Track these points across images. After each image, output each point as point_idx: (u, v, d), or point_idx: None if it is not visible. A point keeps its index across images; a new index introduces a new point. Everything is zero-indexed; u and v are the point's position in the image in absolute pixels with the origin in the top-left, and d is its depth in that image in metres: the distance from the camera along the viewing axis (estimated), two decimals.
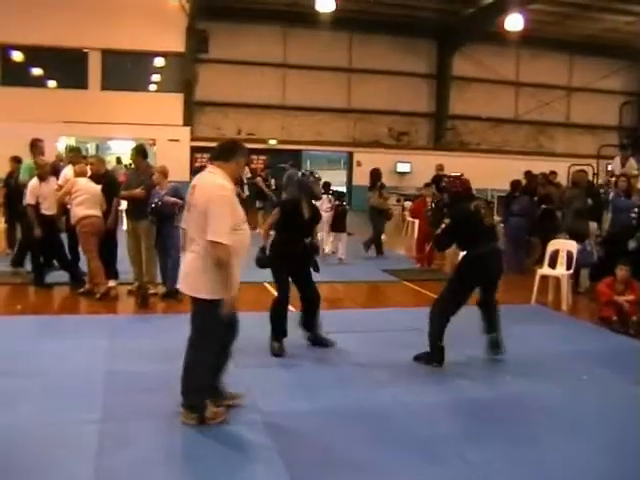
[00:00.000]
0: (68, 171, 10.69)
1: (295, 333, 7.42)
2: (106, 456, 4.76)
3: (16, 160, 13.15)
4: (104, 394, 5.87)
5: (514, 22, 21.50)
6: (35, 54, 24.84)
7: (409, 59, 28.10)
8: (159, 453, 4.89)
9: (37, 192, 10.34)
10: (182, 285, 5.16)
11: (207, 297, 4.98)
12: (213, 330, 5.12)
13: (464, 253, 7.32)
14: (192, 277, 5.04)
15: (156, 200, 9.43)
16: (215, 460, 4.75)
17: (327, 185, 17.03)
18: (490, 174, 22.61)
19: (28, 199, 10.31)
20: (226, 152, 5.19)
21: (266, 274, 7.43)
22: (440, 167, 17.72)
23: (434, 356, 6.91)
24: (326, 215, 13.07)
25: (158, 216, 9.55)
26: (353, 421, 5.46)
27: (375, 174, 15.64)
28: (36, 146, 11.61)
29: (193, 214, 5.03)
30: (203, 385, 5.24)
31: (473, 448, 5.03)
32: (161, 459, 4.80)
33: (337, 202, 14.21)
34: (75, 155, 11.08)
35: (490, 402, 6.01)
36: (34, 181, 10.43)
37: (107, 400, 5.75)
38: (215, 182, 5.00)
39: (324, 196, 16.95)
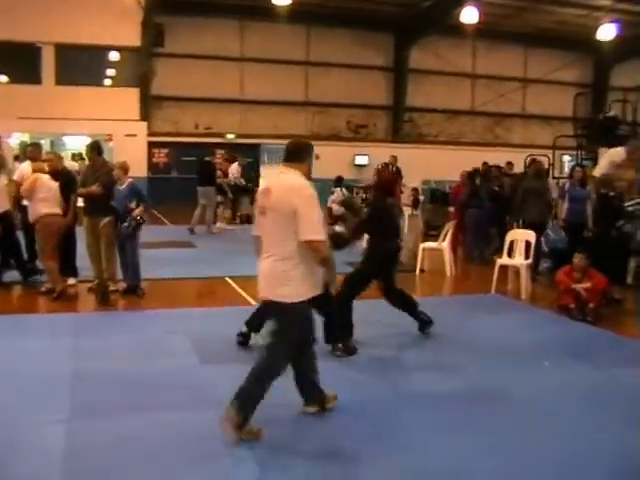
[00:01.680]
0: (26, 167, 10.53)
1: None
2: (73, 457, 4.71)
3: None
4: (70, 394, 5.81)
5: (470, 15, 21.73)
6: None
7: (367, 52, 28.15)
8: (128, 453, 4.83)
9: None
10: (266, 291, 4.97)
11: (293, 300, 4.86)
12: (293, 334, 5.04)
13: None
14: (277, 282, 4.88)
15: (126, 225, 9.44)
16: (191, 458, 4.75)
17: (340, 179, 17.17)
18: (448, 165, 22.77)
19: None
20: (300, 152, 5.08)
21: None
22: (394, 159, 17.87)
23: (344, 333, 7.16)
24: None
25: (119, 214, 9.55)
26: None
27: None
28: None
29: (271, 218, 4.86)
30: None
31: (440, 439, 5.10)
32: (130, 459, 4.75)
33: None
34: (34, 150, 10.91)
35: (453, 393, 6.08)
36: None
37: (73, 399, 5.69)
38: (297, 182, 4.89)
39: (337, 189, 17.10)
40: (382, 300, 7.90)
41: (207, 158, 18.60)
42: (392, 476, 4.55)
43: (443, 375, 6.57)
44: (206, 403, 5.63)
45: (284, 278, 4.84)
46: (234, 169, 19.44)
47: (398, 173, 17.48)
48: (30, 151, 11.05)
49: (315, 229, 4.77)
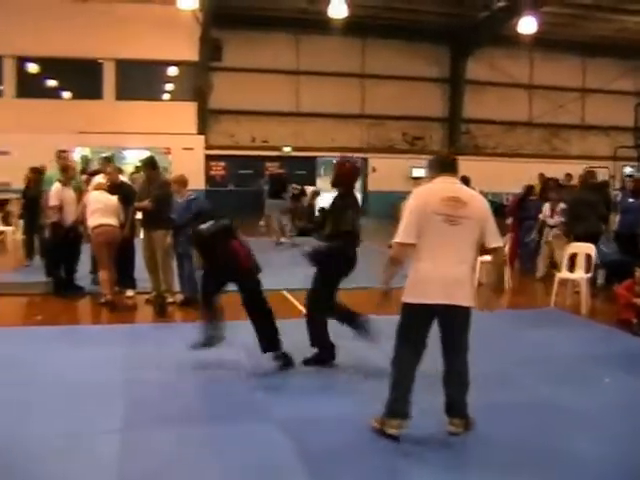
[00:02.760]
0: (98, 179, 10.83)
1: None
2: (127, 466, 4.77)
3: (35, 171, 13.29)
4: (124, 403, 5.89)
5: (527, 25, 21.47)
6: (50, 65, 25.01)
7: (422, 64, 28.06)
8: (180, 462, 4.86)
9: (60, 195, 10.47)
10: (458, 296, 5.06)
11: (473, 305, 5.17)
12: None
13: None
14: (468, 287, 5.10)
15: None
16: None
17: None
18: (505, 178, 22.58)
19: (52, 201, 10.42)
20: (456, 164, 5.38)
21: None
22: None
23: (326, 354, 7.03)
24: None
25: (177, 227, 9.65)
26: None
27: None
28: (60, 157, 11.83)
29: (467, 227, 5.05)
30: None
31: (492, 452, 5.02)
32: (182, 468, 4.79)
33: None
34: (103, 164, 11.18)
35: (511, 404, 5.98)
36: (57, 185, 10.58)
37: (127, 409, 5.77)
38: (475, 192, 5.35)
39: None
40: None
41: (279, 171, 18.83)
42: None
43: (501, 388, 6.47)
44: (259, 415, 5.66)
45: (470, 284, 5.16)
46: None
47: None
48: (102, 164, 11.32)
49: (499, 236, 5.34)
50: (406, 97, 27.74)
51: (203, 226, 6.99)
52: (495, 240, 5.25)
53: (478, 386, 5.56)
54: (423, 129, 29.29)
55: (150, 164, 10.17)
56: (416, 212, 5.05)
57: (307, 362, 7.01)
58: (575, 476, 4.73)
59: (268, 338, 6.84)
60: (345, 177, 7.11)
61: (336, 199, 7.08)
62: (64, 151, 11.86)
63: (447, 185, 5.19)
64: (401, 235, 5.06)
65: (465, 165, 20.47)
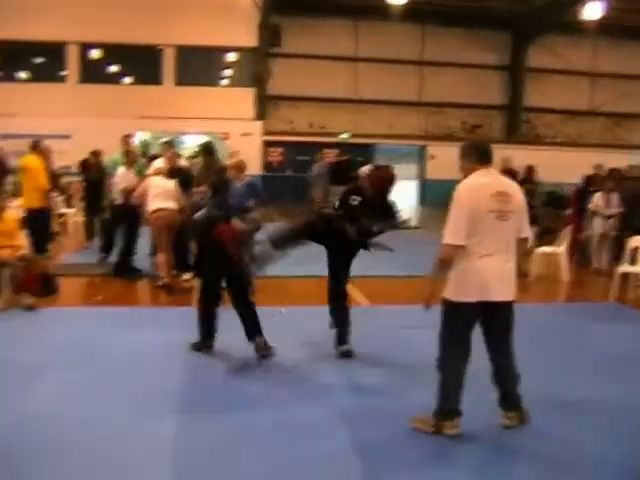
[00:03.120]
0: (158, 163, 11.00)
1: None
2: (183, 452, 4.82)
3: (96, 155, 13.53)
4: (181, 386, 5.96)
5: (592, 11, 21.00)
6: (112, 51, 25.40)
7: (482, 51, 27.66)
8: (237, 446, 4.91)
9: (127, 178, 10.71)
10: (511, 291, 5.05)
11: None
12: None
13: None
14: (513, 282, 5.06)
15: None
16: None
17: None
18: (566, 168, 22.12)
19: (121, 186, 10.65)
20: (492, 153, 5.17)
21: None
22: (504, 161, 17.41)
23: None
24: None
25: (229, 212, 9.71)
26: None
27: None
28: (125, 141, 12.07)
29: (513, 221, 4.97)
30: None
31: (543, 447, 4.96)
32: (240, 452, 4.83)
33: None
34: (165, 148, 11.31)
35: (570, 403, 5.88)
36: (122, 169, 10.83)
37: (184, 392, 5.84)
38: (513, 183, 5.23)
39: None
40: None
41: (343, 158, 18.82)
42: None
43: (558, 383, 6.36)
44: (315, 399, 5.68)
45: (514, 278, 5.08)
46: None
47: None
48: (161, 149, 11.47)
49: (529, 226, 5.22)
50: (465, 85, 27.41)
51: (197, 214, 7.09)
52: (527, 230, 5.17)
53: (535, 380, 5.50)
54: (482, 117, 28.91)
55: (207, 150, 10.24)
56: (468, 210, 4.85)
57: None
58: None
59: (252, 325, 6.90)
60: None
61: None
62: (128, 136, 12.07)
63: (493, 178, 5.05)
64: (452, 236, 4.87)
65: (525, 154, 20.27)
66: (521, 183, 15.07)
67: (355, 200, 6.82)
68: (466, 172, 5.11)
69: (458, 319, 5.05)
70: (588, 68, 28.76)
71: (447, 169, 26.94)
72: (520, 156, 18.51)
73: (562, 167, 22.53)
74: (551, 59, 27.66)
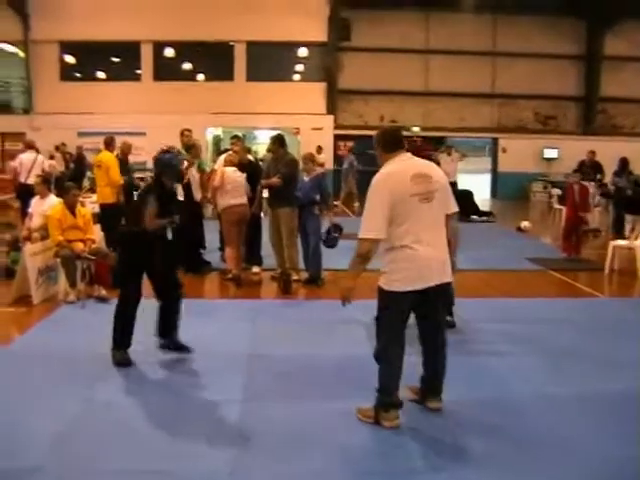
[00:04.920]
0: (223, 158, 11.10)
1: None
2: (246, 436, 4.93)
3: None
4: (247, 375, 6.03)
5: None
6: (185, 49, 25.79)
7: (556, 40, 26.96)
8: (298, 435, 4.97)
9: (189, 174, 10.80)
10: (448, 273, 5.04)
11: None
12: None
13: None
14: (448, 263, 5.02)
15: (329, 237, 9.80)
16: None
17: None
18: None
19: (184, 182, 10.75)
20: (403, 139, 5.14)
21: None
22: (592, 154, 17.04)
23: None
24: None
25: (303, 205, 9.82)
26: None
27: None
28: (184, 135, 12.11)
29: (437, 202, 4.92)
30: None
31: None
32: (300, 441, 4.88)
33: None
34: (235, 142, 11.37)
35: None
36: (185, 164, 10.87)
37: (249, 381, 5.92)
38: (428, 162, 5.20)
39: None
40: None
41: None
42: None
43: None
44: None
45: (447, 258, 5.03)
46: None
47: (598, 169, 16.68)
48: (232, 143, 11.52)
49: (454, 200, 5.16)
50: (539, 75, 26.79)
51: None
52: (454, 205, 5.12)
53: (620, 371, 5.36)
54: (556, 108, 28.22)
55: (279, 141, 10.28)
56: (388, 200, 4.73)
57: None
58: None
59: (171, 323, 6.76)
60: None
61: None
62: (188, 130, 12.14)
63: (408, 163, 4.95)
64: (372, 230, 4.76)
65: (601, 145, 19.65)
66: (615, 175, 14.85)
67: None
68: (381, 162, 5.03)
69: (394, 309, 4.95)
70: None
71: (519, 161, 26.56)
72: (597, 147, 18.09)
73: None
74: (629, 46, 26.79)
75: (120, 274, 6.84)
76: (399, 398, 5.07)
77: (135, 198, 7.16)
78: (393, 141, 5.03)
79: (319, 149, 21.58)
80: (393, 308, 4.95)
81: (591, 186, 16.08)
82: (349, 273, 5.00)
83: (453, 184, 18.02)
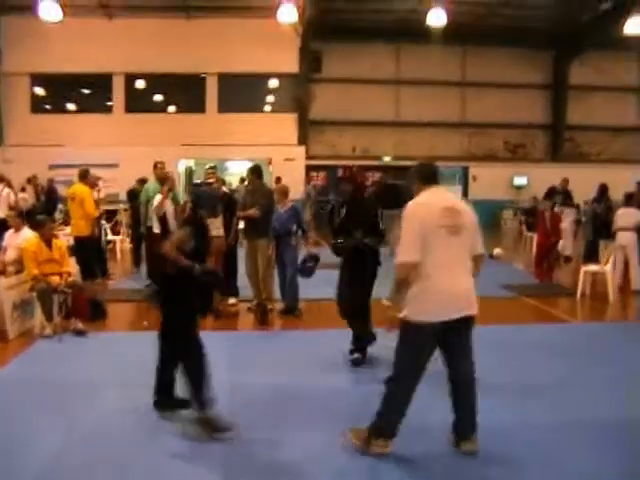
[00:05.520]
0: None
1: None
2: (230, 466, 4.97)
3: (142, 182, 13.75)
4: (229, 405, 6.02)
5: (636, 26, 20.72)
6: (156, 81, 25.87)
7: (525, 70, 27.50)
8: (288, 463, 5.03)
9: (164, 207, 10.74)
10: (469, 307, 5.02)
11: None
12: None
13: None
14: (473, 296, 5.06)
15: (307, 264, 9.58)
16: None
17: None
18: (612, 185, 21.84)
19: (157, 213, 10.65)
20: (438, 174, 5.25)
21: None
22: (566, 182, 17.26)
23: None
24: None
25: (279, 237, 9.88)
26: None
27: None
28: (157, 167, 12.12)
29: (465, 236, 5.00)
30: None
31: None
32: (289, 469, 4.93)
33: None
34: (210, 174, 11.37)
35: (610, 422, 5.82)
36: (159, 197, 10.79)
37: (234, 410, 5.92)
38: (461, 200, 5.33)
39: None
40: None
41: (390, 181, 18.86)
42: None
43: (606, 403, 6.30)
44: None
45: (473, 292, 5.07)
46: None
47: (568, 197, 16.89)
48: (208, 173, 11.50)
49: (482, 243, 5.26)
50: (508, 104, 27.25)
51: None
52: (481, 247, 5.22)
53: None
54: (525, 137, 28.69)
55: (256, 172, 10.32)
56: (418, 227, 4.87)
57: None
58: None
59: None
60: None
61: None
62: (161, 162, 12.15)
63: (441, 196, 5.10)
64: (406, 254, 4.88)
65: (570, 172, 19.89)
66: (594, 202, 15.03)
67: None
68: (415, 193, 5.17)
69: (416, 339, 4.99)
70: (634, 83, 28.35)
71: (489, 189, 26.83)
72: (565, 175, 18.34)
73: (610, 185, 22.24)
74: (595, 76, 27.36)
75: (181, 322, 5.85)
76: (395, 430, 5.09)
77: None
78: (430, 174, 5.20)
79: (277, 180, 21.54)
80: (414, 339, 4.99)
81: (572, 212, 16.32)
82: (391, 300, 5.05)
83: None
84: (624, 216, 12.54)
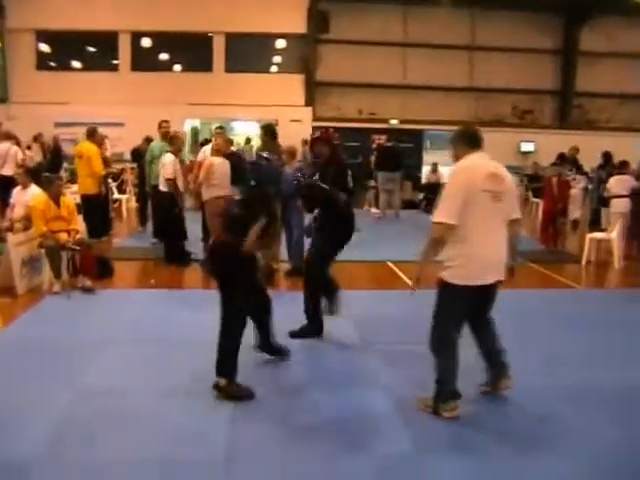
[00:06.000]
0: (208, 148, 11.17)
1: None
2: (237, 421, 5.07)
3: (148, 141, 13.74)
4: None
5: None
6: (163, 40, 25.65)
7: (533, 35, 27.17)
8: (287, 416, 5.18)
9: (176, 166, 10.81)
10: (502, 271, 5.17)
11: None
12: None
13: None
14: (504, 262, 5.17)
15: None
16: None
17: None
18: (619, 152, 21.75)
19: (169, 173, 10.73)
20: (482, 139, 5.33)
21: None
22: (575, 150, 17.21)
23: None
24: None
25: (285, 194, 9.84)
26: None
27: None
28: (161, 126, 12.14)
29: (506, 203, 5.09)
30: None
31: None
32: (288, 421, 5.04)
33: None
34: (218, 133, 11.37)
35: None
36: (171, 156, 10.84)
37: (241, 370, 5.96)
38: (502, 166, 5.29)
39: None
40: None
41: (389, 144, 18.82)
42: None
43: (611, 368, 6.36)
44: (369, 383, 5.79)
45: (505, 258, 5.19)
46: None
47: (577, 166, 16.87)
48: (216, 133, 11.49)
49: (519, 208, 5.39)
50: (516, 69, 26.99)
51: None
52: (518, 211, 5.31)
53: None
54: (533, 102, 28.46)
55: (270, 132, 10.24)
56: (464, 190, 4.92)
57: (293, 335, 7.04)
58: None
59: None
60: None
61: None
62: (165, 121, 12.15)
63: (486, 161, 5.15)
64: (445, 215, 4.92)
65: (577, 140, 19.77)
66: (599, 169, 15.02)
67: None
68: (458, 157, 5.22)
69: (457, 302, 5.09)
70: None
71: (496, 155, 26.85)
72: (572, 141, 18.28)
73: (616, 152, 22.16)
74: (605, 42, 27.05)
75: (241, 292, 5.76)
76: (457, 389, 5.19)
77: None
78: (475, 138, 5.27)
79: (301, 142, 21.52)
80: (452, 300, 5.08)
81: (582, 179, 16.29)
82: (421, 257, 5.12)
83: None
84: (619, 183, 12.62)
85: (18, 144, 14.71)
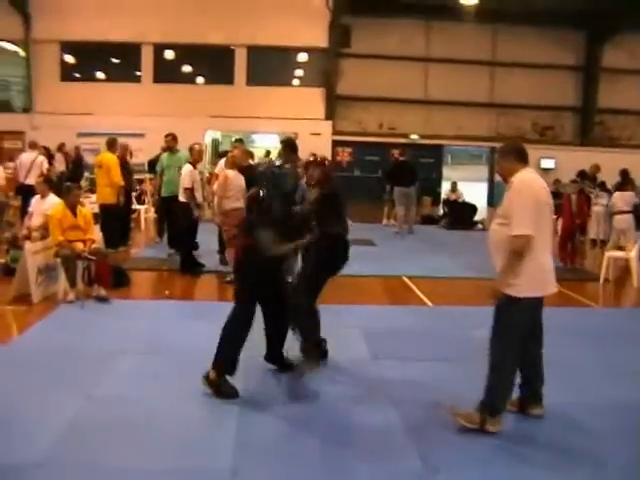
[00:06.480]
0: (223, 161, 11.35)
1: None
2: (247, 430, 5.05)
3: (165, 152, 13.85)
4: (244, 379, 6.06)
5: None
6: (185, 52, 25.86)
7: (556, 51, 27.11)
8: (294, 429, 5.15)
9: (194, 177, 10.93)
10: (555, 284, 5.23)
11: None
12: None
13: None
14: None
15: None
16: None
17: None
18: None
19: (187, 183, 10.85)
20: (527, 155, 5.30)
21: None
22: (596, 168, 17.09)
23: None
24: None
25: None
26: None
27: None
28: (174, 139, 12.54)
29: (549, 215, 5.26)
30: None
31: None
32: (296, 435, 5.02)
33: None
34: (235, 146, 11.54)
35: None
36: (189, 167, 11.00)
37: (245, 378, 5.99)
38: None
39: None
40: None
41: (403, 158, 18.84)
42: None
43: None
44: (379, 398, 5.75)
45: None
46: None
47: (597, 184, 16.74)
48: (234, 146, 11.64)
49: None
50: (537, 85, 26.91)
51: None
52: None
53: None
54: (554, 119, 28.35)
55: (290, 146, 10.23)
56: (535, 202, 4.95)
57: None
58: None
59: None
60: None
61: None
62: (169, 134, 12.61)
63: (537, 175, 5.22)
64: (524, 227, 4.84)
65: (598, 157, 19.63)
66: (618, 188, 14.96)
67: None
68: (506, 172, 5.23)
69: (525, 316, 5.08)
70: None
71: None
72: (594, 159, 18.15)
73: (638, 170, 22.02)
74: (628, 59, 26.91)
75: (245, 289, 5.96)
76: (506, 406, 5.20)
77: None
78: (525, 153, 5.28)
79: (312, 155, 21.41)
80: (522, 315, 5.07)
81: (605, 196, 16.12)
82: (504, 272, 5.01)
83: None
84: (621, 199, 12.72)
85: (49, 155, 14.86)
